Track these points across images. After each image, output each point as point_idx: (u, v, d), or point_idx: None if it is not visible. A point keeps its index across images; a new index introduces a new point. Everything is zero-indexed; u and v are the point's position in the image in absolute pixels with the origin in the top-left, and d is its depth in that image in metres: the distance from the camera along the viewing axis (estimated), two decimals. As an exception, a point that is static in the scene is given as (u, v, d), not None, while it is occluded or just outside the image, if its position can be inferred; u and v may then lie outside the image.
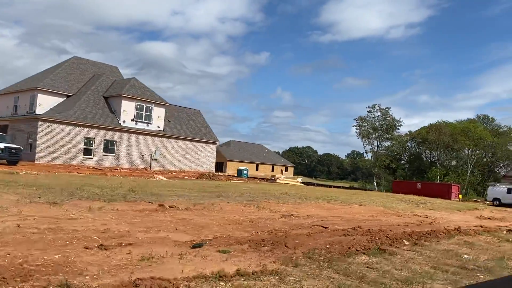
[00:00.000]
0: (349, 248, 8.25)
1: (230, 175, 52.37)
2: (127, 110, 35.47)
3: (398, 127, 66.42)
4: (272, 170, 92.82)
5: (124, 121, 35.25)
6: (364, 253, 8.06)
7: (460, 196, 46.68)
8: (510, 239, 12.11)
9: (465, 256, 8.98)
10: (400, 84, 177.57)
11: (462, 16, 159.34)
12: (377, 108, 66.65)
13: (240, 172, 50.75)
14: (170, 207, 11.73)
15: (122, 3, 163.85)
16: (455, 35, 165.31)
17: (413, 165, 68.40)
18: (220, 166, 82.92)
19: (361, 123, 66.73)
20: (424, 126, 68.42)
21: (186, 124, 41.70)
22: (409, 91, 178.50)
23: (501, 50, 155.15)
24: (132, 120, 35.89)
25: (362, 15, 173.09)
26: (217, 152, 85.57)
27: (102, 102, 35.55)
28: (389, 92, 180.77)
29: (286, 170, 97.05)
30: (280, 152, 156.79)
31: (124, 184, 17.69)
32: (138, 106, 36.30)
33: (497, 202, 40.57)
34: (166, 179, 25.46)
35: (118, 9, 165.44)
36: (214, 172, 43.05)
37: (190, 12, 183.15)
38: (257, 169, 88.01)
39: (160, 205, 11.74)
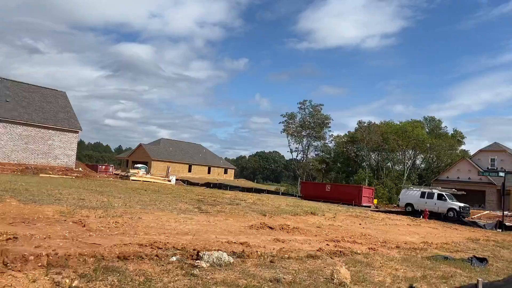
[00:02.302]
0: None
1: (119, 174, 45.12)
2: None
3: (328, 125, 59.91)
4: (209, 172, 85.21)
5: None
6: None
7: (375, 201, 40.21)
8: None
9: None
10: (376, 94, 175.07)
11: (436, 28, 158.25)
12: (308, 104, 60.22)
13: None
14: None
15: (99, 4, 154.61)
16: (429, 47, 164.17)
17: (347, 167, 62.15)
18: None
19: (289, 120, 60.00)
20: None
21: (36, 106, 33.63)
22: (384, 100, 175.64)
23: (472, 64, 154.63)
24: None
25: (338, 24, 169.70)
26: (142, 150, 77.81)
27: None
28: (364, 101, 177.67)
29: (226, 172, 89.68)
30: (247, 157, 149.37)
31: None
32: (-50, 78, 28.35)
33: (410, 209, 34.14)
34: None
35: (95, 10, 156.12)
36: (73, 167, 35.12)
37: (168, 15, 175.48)
38: (189, 171, 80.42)
39: None
